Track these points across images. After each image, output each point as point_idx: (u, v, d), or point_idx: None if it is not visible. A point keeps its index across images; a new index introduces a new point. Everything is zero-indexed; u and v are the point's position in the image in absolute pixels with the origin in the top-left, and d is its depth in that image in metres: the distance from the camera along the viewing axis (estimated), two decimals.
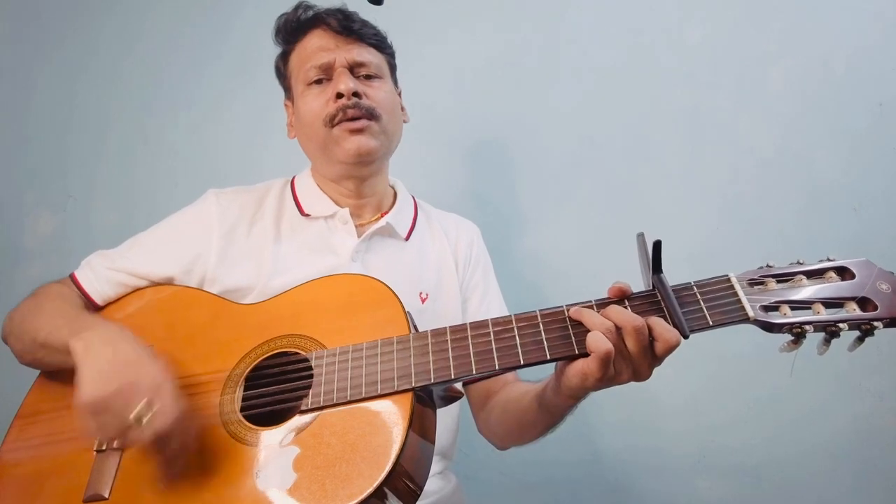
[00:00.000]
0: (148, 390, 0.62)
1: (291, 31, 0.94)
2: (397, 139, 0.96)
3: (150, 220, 0.92)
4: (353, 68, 0.90)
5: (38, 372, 0.80)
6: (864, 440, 1.17)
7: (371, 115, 0.87)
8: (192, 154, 1.52)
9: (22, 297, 0.85)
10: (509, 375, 0.91)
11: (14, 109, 1.57)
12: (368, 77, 0.91)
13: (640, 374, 0.62)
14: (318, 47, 0.90)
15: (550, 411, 0.73)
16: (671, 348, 0.59)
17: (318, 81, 0.90)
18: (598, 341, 0.59)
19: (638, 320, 0.59)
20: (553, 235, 1.36)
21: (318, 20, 0.92)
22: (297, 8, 0.94)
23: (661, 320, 0.60)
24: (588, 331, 0.61)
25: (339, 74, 0.88)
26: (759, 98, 1.33)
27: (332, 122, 0.87)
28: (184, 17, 1.60)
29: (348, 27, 0.91)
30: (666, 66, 1.39)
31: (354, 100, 0.86)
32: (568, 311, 0.64)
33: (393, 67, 1.00)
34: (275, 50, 0.99)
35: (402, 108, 1.00)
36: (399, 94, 1.00)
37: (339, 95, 0.86)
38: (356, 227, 0.90)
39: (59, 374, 0.78)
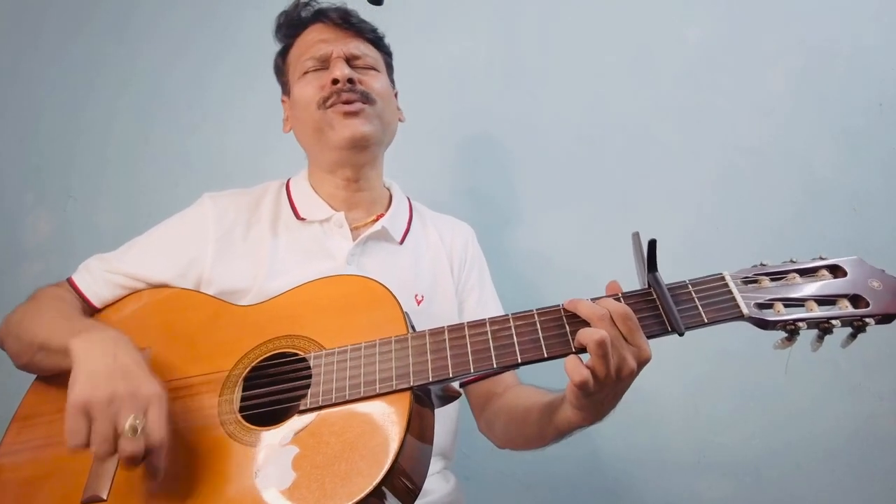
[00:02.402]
0: (145, 401, 0.61)
1: (292, 26, 0.96)
2: (392, 130, 0.97)
3: (151, 221, 0.93)
4: (350, 60, 0.92)
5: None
6: (864, 440, 1.17)
7: (366, 98, 0.89)
8: (192, 154, 1.52)
9: (22, 297, 0.85)
10: (510, 378, 0.92)
11: (15, 110, 1.57)
12: (365, 68, 0.93)
13: (642, 351, 0.61)
14: (317, 39, 0.93)
15: (559, 427, 0.71)
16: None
17: (315, 71, 0.91)
18: (590, 332, 0.59)
19: (625, 307, 0.61)
20: (550, 234, 1.36)
21: (319, 15, 0.95)
22: (296, 5, 0.96)
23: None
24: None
25: (336, 62, 0.90)
26: (758, 98, 1.33)
27: (325, 103, 0.88)
28: (185, 18, 1.60)
29: (347, 21, 0.94)
30: (666, 66, 1.39)
31: (349, 85, 0.88)
32: (563, 309, 0.64)
33: (389, 67, 1.01)
34: (276, 51, 0.99)
35: (398, 108, 1.01)
36: (395, 95, 1.01)
37: (335, 81, 0.88)
38: (351, 230, 0.91)
39: (57, 376, 0.78)
